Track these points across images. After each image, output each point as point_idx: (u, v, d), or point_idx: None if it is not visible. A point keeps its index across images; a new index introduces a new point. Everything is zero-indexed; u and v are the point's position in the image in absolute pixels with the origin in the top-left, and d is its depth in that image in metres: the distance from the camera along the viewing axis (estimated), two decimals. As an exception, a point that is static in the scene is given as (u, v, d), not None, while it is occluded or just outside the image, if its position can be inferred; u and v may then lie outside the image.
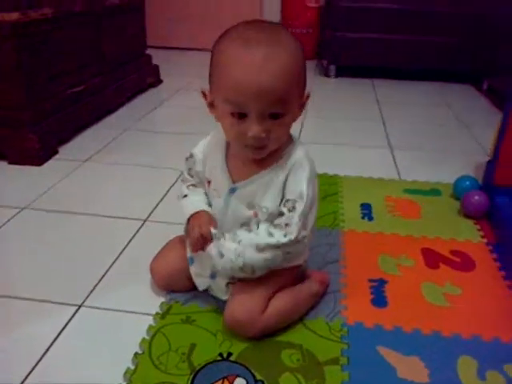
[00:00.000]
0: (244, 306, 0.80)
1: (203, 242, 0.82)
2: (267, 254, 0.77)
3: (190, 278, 0.90)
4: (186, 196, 0.89)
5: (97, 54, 1.93)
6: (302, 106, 0.79)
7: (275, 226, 0.78)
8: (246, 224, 0.81)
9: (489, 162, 1.29)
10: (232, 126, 0.73)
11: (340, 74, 2.80)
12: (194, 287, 0.91)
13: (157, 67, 2.52)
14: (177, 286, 0.92)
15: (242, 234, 0.79)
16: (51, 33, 1.60)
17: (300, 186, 0.77)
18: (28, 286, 0.95)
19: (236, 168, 0.82)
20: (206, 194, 0.88)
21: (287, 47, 0.71)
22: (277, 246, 0.77)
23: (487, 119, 2.10)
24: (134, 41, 2.30)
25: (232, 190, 0.81)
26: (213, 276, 0.87)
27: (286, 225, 0.77)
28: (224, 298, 0.86)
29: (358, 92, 2.57)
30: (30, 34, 1.48)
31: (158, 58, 2.56)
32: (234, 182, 0.81)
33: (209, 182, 0.86)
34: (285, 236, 0.76)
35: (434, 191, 1.38)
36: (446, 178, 1.45)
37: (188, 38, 3.42)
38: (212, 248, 0.80)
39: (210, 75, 0.76)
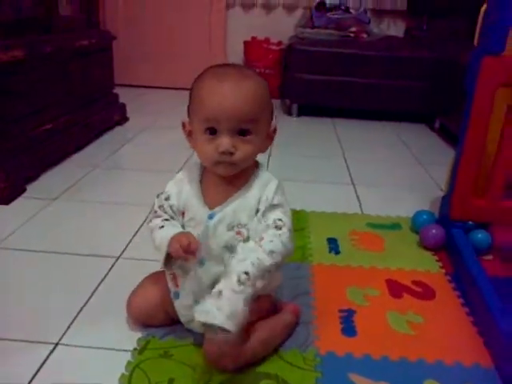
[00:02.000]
0: (225, 338, 0.81)
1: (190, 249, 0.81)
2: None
3: (167, 313, 0.92)
4: (162, 227, 0.88)
5: (65, 93, 1.96)
6: (270, 138, 0.87)
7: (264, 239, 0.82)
8: (229, 246, 0.84)
9: (443, 197, 1.39)
10: (206, 142, 0.81)
11: (302, 113, 2.92)
12: (170, 322, 0.93)
13: (123, 105, 2.56)
14: (154, 321, 0.93)
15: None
16: (21, 74, 1.62)
17: (269, 196, 0.85)
18: (1, 325, 0.95)
19: (211, 195, 0.87)
20: (183, 226, 0.89)
21: (254, 80, 0.82)
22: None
23: (440, 156, 2.23)
24: (102, 80, 2.34)
25: (210, 216, 0.85)
26: (196, 301, 0.87)
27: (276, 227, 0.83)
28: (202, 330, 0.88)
29: (319, 130, 2.69)
30: (1, 74, 1.50)
31: (124, 96, 2.60)
32: (210, 208, 0.86)
33: (183, 214, 0.88)
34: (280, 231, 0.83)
35: (395, 225, 1.46)
36: (405, 212, 1.54)
37: (154, 77, 3.48)
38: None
39: (189, 106, 0.85)
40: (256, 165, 0.89)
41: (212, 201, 0.86)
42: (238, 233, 0.84)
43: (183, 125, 0.88)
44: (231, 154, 0.79)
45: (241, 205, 0.85)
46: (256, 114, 0.80)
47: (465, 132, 1.25)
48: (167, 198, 0.90)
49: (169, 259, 0.86)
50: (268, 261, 0.80)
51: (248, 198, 0.85)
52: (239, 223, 0.84)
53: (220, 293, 0.77)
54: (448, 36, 3.07)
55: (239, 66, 0.87)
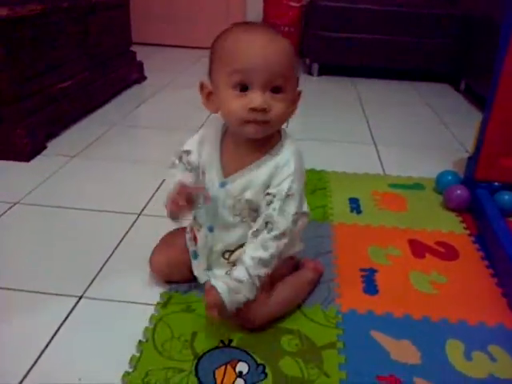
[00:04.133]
0: (245, 308, 0.80)
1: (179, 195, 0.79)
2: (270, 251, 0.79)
3: (189, 270, 0.93)
4: (175, 166, 0.88)
5: (83, 50, 1.93)
6: (294, 102, 0.81)
7: (256, 234, 0.79)
8: (238, 214, 0.83)
9: (469, 158, 1.35)
10: (234, 99, 0.74)
11: (322, 72, 2.85)
12: (192, 278, 0.93)
13: (141, 64, 2.52)
14: (176, 277, 0.94)
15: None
16: (39, 28, 1.60)
17: (282, 183, 0.79)
18: (26, 279, 0.96)
19: (228, 160, 0.83)
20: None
21: (282, 37, 0.77)
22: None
23: (465, 118, 2.18)
24: (119, 37, 2.30)
25: (222, 184, 0.82)
26: (209, 268, 0.90)
27: (267, 223, 0.79)
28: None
29: (340, 90, 2.62)
30: (19, 29, 1.48)
31: (142, 54, 2.56)
32: (225, 176, 0.83)
33: (203, 174, 0.86)
34: (271, 232, 0.79)
35: (418, 186, 1.44)
36: (428, 173, 1.51)
37: (172, 36, 3.42)
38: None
39: (211, 63, 0.79)
40: (279, 134, 0.83)
41: (228, 167, 0.83)
42: (246, 205, 0.82)
43: (201, 86, 0.80)
44: (264, 111, 0.73)
45: (251, 179, 0.81)
46: (288, 70, 0.75)
47: (495, 91, 1.21)
48: (188, 153, 0.87)
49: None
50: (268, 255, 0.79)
51: (260, 174, 0.80)
52: (247, 199, 0.81)
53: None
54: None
55: (264, 24, 0.81)
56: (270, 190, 0.80)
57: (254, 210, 0.83)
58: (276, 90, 0.74)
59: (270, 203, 0.79)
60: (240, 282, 0.78)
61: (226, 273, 0.87)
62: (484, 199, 1.23)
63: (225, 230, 0.85)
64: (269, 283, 0.85)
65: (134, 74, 2.43)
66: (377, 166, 1.59)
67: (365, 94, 2.54)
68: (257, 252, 0.78)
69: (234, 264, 0.86)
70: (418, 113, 2.27)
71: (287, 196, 0.79)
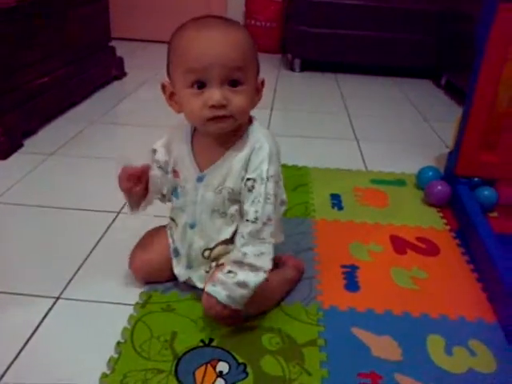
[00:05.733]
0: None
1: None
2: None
3: (169, 269, 0.91)
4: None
5: (61, 45, 1.89)
6: (258, 91, 0.81)
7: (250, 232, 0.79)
8: (218, 210, 0.83)
9: (450, 154, 1.36)
10: (193, 98, 0.74)
11: (305, 68, 2.85)
12: (172, 277, 0.92)
13: (121, 59, 2.48)
14: (156, 277, 0.93)
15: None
16: (15, 23, 1.56)
17: (260, 166, 0.78)
18: (1, 279, 0.94)
19: (202, 155, 0.83)
20: (177, 187, 0.88)
21: (239, 27, 0.77)
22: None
23: (446, 113, 2.19)
24: (99, 32, 2.26)
25: (199, 179, 0.82)
26: (189, 266, 0.89)
27: (255, 219, 0.78)
28: (202, 286, 0.87)
29: (322, 86, 2.62)
30: (-7, 23, 1.45)
31: (122, 50, 2.52)
32: (201, 170, 0.82)
33: (175, 173, 0.86)
34: (254, 222, 0.78)
35: (399, 181, 1.44)
36: (409, 168, 1.51)
37: (153, 31, 3.38)
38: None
39: (169, 63, 0.78)
40: (250, 121, 0.83)
41: (203, 162, 0.82)
42: (225, 197, 0.81)
43: (163, 87, 0.80)
44: (224, 107, 0.73)
45: (228, 167, 0.80)
46: (245, 62, 0.74)
47: (474, 86, 1.21)
48: (154, 151, 0.88)
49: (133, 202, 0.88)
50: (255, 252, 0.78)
51: (235, 160, 0.80)
52: (228, 187, 0.81)
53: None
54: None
55: (219, 16, 0.79)
56: (249, 175, 0.79)
57: (232, 201, 0.82)
58: (234, 83, 0.74)
59: (251, 189, 0.79)
60: (243, 285, 0.77)
61: (207, 272, 0.87)
62: (464, 195, 1.24)
63: (205, 226, 0.84)
64: None
65: (113, 70, 2.39)
66: (359, 162, 1.59)
67: (347, 89, 2.54)
68: (252, 246, 0.78)
69: (213, 260, 0.86)
70: (399, 108, 2.28)
71: (267, 178, 0.78)
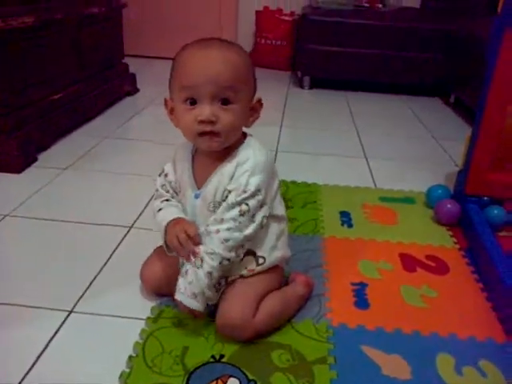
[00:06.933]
0: (236, 310, 0.82)
1: (192, 243, 0.83)
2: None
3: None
4: (160, 209, 0.90)
5: (75, 62, 1.94)
6: (255, 110, 0.84)
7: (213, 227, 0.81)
8: None
9: (460, 172, 1.36)
10: (186, 113, 0.78)
11: (314, 85, 2.87)
12: None
13: (134, 76, 2.53)
14: (166, 290, 0.93)
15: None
16: (31, 41, 1.60)
17: (240, 178, 0.80)
18: (15, 293, 0.95)
19: (200, 172, 0.86)
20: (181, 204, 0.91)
21: (237, 50, 0.81)
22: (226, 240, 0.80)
23: (455, 131, 2.20)
24: (112, 49, 2.31)
25: (196, 196, 0.85)
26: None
27: (221, 220, 0.81)
28: (212, 302, 0.88)
29: (331, 103, 2.64)
30: (11, 41, 1.48)
31: (134, 66, 2.57)
32: (198, 187, 0.86)
33: (180, 192, 0.90)
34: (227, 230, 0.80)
35: (408, 199, 1.45)
36: (418, 186, 1.52)
37: (165, 48, 3.43)
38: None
39: (170, 79, 0.83)
40: (243, 138, 0.86)
41: (200, 179, 0.86)
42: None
43: (165, 102, 0.86)
44: (212, 123, 0.77)
45: (219, 182, 0.83)
46: (236, 82, 0.77)
47: (484, 106, 1.22)
48: (166, 175, 0.92)
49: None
50: (222, 249, 0.80)
51: (224, 174, 0.82)
52: (217, 202, 0.83)
53: (186, 272, 0.82)
54: (465, 7, 2.98)
55: (224, 39, 0.83)
56: (228, 187, 0.81)
57: None
58: (225, 101, 0.77)
59: (225, 198, 0.81)
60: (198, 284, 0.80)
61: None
62: (474, 214, 1.24)
63: (205, 240, 0.83)
64: (259, 297, 0.85)
65: (126, 86, 2.43)
66: (368, 180, 1.60)
67: (356, 107, 2.56)
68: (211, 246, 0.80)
69: None
70: (408, 126, 2.29)
71: (244, 192, 0.79)
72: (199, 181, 0.86)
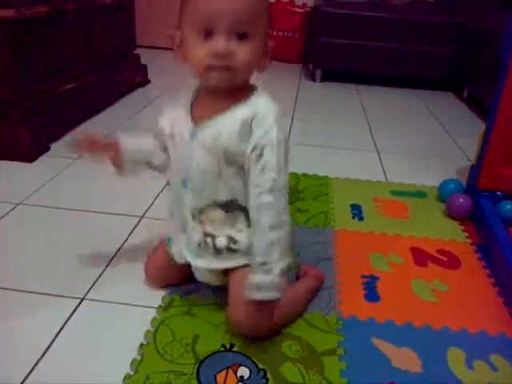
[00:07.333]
0: (252, 320, 0.80)
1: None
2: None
3: (180, 271, 0.92)
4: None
5: (87, 52, 1.94)
6: (267, 55, 0.79)
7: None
8: (210, 171, 0.79)
9: (472, 167, 1.35)
10: (199, 46, 0.73)
11: (326, 78, 2.86)
12: (187, 279, 0.94)
13: (145, 67, 2.53)
14: (168, 280, 0.95)
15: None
16: (44, 30, 1.60)
17: (269, 132, 0.76)
18: (28, 280, 0.96)
19: (199, 110, 0.80)
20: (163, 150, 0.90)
21: None
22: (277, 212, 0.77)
23: (468, 126, 2.18)
24: (124, 40, 2.31)
25: (193, 135, 0.79)
26: (183, 229, 0.87)
27: (259, 188, 0.76)
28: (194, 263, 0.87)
29: (343, 96, 2.63)
30: (24, 31, 1.49)
31: (146, 57, 2.57)
32: (195, 125, 0.79)
33: (172, 135, 0.84)
34: (271, 191, 0.76)
35: (420, 193, 1.44)
36: (430, 180, 1.51)
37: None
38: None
39: (181, 11, 0.77)
40: (253, 87, 0.81)
41: (199, 116, 0.79)
42: (220, 156, 0.78)
43: (172, 37, 0.79)
44: (227, 57, 0.72)
45: (224, 127, 0.77)
46: (255, 16, 0.73)
47: (498, 100, 1.21)
48: (160, 121, 0.87)
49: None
50: (274, 236, 0.77)
51: (233, 122, 0.76)
52: (222, 146, 0.77)
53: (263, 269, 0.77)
54: (480, 0, 2.94)
55: None
56: (257, 141, 0.75)
57: (229, 163, 0.78)
58: (242, 36, 0.72)
59: (259, 156, 0.76)
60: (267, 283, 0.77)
61: (199, 245, 0.84)
62: (486, 208, 1.23)
63: (197, 185, 0.81)
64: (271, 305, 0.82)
65: (137, 77, 2.44)
66: (379, 173, 1.60)
67: (368, 100, 2.55)
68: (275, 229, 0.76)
69: (204, 223, 0.83)
70: (420, 120, 2.28)
71: (278, 145, 0.76)
72: (197, 118, 0.79)
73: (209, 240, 0.83)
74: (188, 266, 0.89)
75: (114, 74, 2.15)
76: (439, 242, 1.18)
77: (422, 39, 2.67)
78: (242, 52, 0.72)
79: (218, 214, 0.82)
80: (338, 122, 2.15)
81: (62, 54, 1.73)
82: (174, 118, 0.84)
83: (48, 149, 1.60)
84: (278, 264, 0.77)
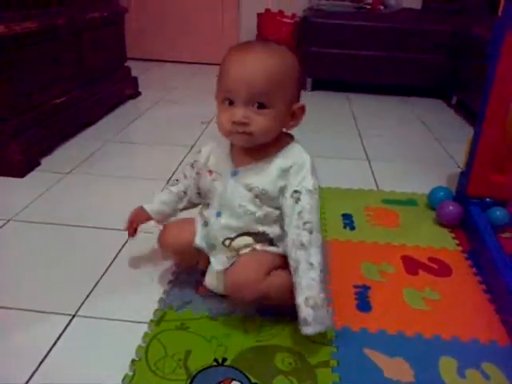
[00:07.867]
0: (248, 266, 0.86)
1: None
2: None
3: (193, 256, 0.97)
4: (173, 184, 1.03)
5: (77, 66, 1.95)
6: (295, 116, 0.87)
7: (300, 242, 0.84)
8: (243, 207, 0.87)
9: (462, 174, 1.36)
10: (223, 112, 0.83)
11: (316, 87, 2.88)
12: (195, 264, 0.99)
13: (136, 79, 2.54)
14: (183, 256, 0.99)
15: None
16: (34, 46, 1.61)
17: (306, 180, 0.86)
18: (19, 297, 0.96)
19: (239, 156, 0.90)
20: (184, 193, 1.01)
21: (277, 55, 0.83)
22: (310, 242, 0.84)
23: (457, 133, 2.20)
24: (114, 53, 2.32)
25: (234, 173, 0.89)
26: (210, 250, 0.93)
27: (304, 222, 0.85)
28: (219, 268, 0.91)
29: (333, 105, 2.65)
30: (14, 46, 1.49)
31: (136, 69, 2.58)
32: (236, 167, 0.89)
33: (210, 172, 0.93)
34: (310, 233, 0.84)
35: (411, 201, 1.45)
36: (420, 188, 1.52)
37: (167, 51, 3.45)
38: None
39: (218, 78, 0.86)
40: (289, 139, 0.91)
41: (238, 161, 0.89)
42: (256, 196, 0.87)
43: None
44: (244, 124, 0.81)
45: (264, 172, 0.86)
46: (273, 87, 0.80)
47: (485, 107, 1.22)
48: (199, 157, 0.98)
49: None
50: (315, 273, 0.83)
51: (272, 169, 0.86)
52: (259, 187, 0.86)
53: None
54: (467, 8, 2.98)
55: (270, 42, 0.87)
56: (296, 188, 0.85)
57: (264, 202, 0.87)
58: (260, 105, 0.81)
59: (297, 201, 0.85)
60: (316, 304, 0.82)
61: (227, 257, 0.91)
62: (476, 215, 1.24)
63: (231, 218, 0.89)
64: (271, 265, 0.88)
65: (128, 90, 2.44)
66: (370, 182, 1.60)
67: (358, 108, 2.57)
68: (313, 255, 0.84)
69: (234, 250, 0.90)
70: (410, 128, 2.29)
71: (312, 191, 0.86)
72: (237, 162, 0.89)
73: (234, 253, 0.91)
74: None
75: (104, 87, 2.16)
76: (430, 249, 1.18)
77: (410, 47, 2.70)
78: (260, 120, 0.81)
79: (248, 240, 0.90)
80: (328, 131, 2.17)
81: (52, 68, 1.74)
82: (217, 155, 0.93)
83: (38, 164, 1.60)
84: (321, 297, 0.83)
